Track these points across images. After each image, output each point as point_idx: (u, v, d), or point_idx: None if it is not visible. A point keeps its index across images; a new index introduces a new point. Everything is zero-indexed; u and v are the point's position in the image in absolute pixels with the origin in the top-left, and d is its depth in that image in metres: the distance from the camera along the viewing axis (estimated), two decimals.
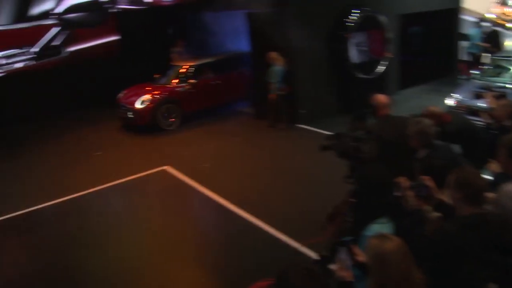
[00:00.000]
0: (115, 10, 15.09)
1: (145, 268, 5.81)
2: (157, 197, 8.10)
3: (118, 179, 8.67)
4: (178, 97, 11.75)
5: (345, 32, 10.97)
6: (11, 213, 7.61)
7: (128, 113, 11.49)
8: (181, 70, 12.21)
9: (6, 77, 13.35)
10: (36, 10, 13.67)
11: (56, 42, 14.13)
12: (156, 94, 11.59)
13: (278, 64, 10.42)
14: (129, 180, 8.63)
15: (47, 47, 14.00)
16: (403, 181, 3.43)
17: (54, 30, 14.05)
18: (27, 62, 13.71)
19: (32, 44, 13.71)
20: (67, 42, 14.31)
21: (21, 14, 13.39)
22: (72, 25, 14.34)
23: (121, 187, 8.43)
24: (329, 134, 5.30)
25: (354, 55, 11.19)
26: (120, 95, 12.10)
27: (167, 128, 11.48)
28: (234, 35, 13.23)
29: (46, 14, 13.86)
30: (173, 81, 12.05)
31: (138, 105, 11.32)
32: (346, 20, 11.02)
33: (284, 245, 5.92)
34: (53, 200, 7.96)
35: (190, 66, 12.24)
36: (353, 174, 5.26)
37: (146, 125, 11.37)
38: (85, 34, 14.59)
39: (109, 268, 5.88)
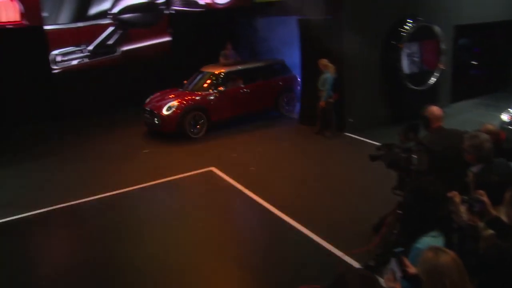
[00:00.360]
0: (169, 12, 15.44)
1: (185, 265, 5.91)
2: (203, 196, 8.21)
3: (166, 177, 8.85)
4: (206, 104, 11.45)
5: (399, 41, 10.82)
6: (58, 204, 7.89)
7: (155, 119, 11.25)
8: (210, 77, 11.95)
9: (61, 74, 13.89)
10: (94, 9, 14.17)
11: (110, 41, 14.61)
12: (183, 101, 11.31)
13: (328, 71, 10.36)
14: (177, 179, 8.78)
15: (101, 45, 14.48)
16: (455, 195, 3.37)
17: (109, 30, 14.53)
18: (81, 60, 14.23)
19: (89, 43, 14.25)
20: (120, 42, 14.77)
21: (80, 13, 13.92)
22: (127, 25, 14.78)
23: (169, 184, 8.60)
24: (379, 145, 5.28)
25: (406, 65, 11.03)
26: (147, 100, 11.98)
27: (194, 136, 11.20)
28: (284, 41, 13.25)
29: (103, 14, 14.34)
30: (202, 87, 11.78)
31: (164, 111, 11.06)
32: (400, 29, 10.87)
33: (327, 253, 5.87)
34: (101, 194, 8.19)
35: (220, 73, 11.95)
36: (402, 185, 5.21)
37: (172, 132, 11.14)
38: (138, 34, 15.02)
39: (150, 263, 5.98)
